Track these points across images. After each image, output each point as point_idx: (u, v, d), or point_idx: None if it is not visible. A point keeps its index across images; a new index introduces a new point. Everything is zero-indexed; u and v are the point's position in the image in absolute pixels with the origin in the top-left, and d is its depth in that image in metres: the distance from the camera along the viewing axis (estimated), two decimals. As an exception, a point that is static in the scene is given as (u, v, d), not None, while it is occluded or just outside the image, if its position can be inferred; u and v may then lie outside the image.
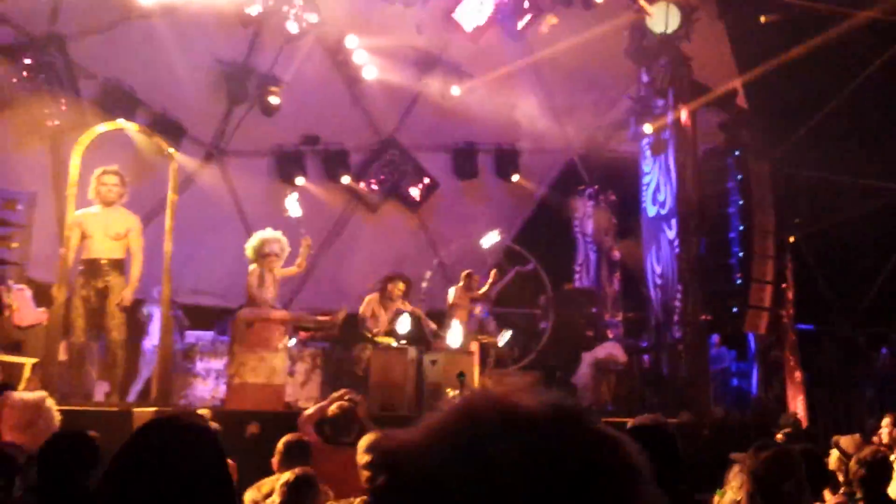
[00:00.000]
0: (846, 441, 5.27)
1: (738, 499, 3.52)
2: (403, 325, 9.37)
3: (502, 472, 0.61)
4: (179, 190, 8.17)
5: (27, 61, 9.70)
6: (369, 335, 9.31)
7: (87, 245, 7.09)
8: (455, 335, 9.37)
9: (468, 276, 10.23)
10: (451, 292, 10.12)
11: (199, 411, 4.79)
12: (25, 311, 7.47)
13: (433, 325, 9.84)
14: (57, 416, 4.10)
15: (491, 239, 10.31)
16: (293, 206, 8.67)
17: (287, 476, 3.78)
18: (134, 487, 1.60)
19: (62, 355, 7.26)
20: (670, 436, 2.76)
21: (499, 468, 0.61)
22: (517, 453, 0.62)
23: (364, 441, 3.46)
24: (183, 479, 1.60)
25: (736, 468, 3.67)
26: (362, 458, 3.39)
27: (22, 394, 4.18)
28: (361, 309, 9.46)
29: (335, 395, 5.88)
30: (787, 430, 7.84)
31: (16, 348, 7.17)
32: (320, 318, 9.50)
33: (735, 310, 10.88)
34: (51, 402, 4.15)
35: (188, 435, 1.67)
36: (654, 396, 10.46)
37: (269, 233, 8.24)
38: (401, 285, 9.57)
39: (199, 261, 10.28)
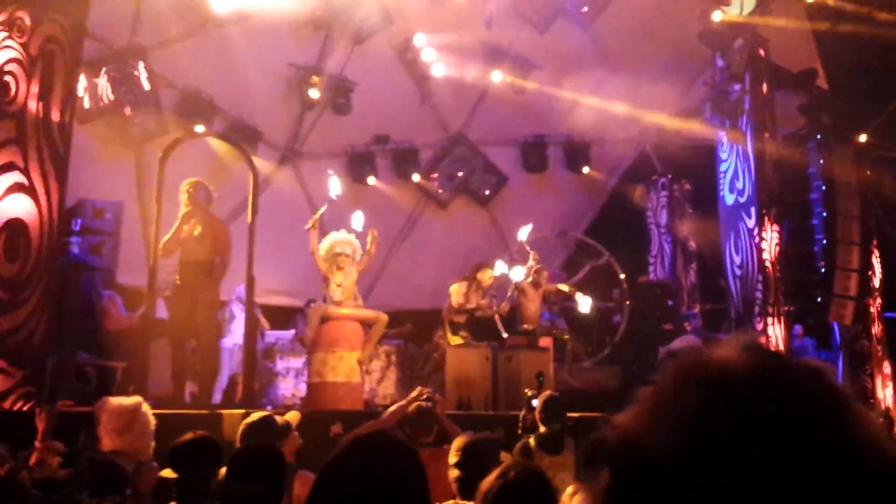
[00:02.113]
0: None
1: None
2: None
3: (743, 444, 0.60)
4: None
5: (110, 73, 10.10)
6: (455, 322, 9.28)
7: (180, 251, 7.36)
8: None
9: (537, 271, 10.00)
10: (512, 274, 9.86)
11: (287, 416, 4.89)
12: (116, 316, 7.81)
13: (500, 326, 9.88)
14: (153, 421, 4.26)
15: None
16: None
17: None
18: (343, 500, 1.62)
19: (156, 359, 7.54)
20: None
21: (736, 440, 0.61)
22: (750, 421, 0.61)
23: (459, 441, 3.48)
24: (389, 497, 1.63)
25: None
26: (454, 457, 3.41)
27: (119, 399, 4.34)
28: (451, 299, 9.43)
29: (413, 394, 5.92)
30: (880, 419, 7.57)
31: (108, 353, 7.49)
32: (388, 330, 9.57)
33: (819, 299, 10.54)
34: (146, 407, 4.31)
35: (395, 453, 1.71)
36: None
37: (340, 234, 8.40)
38: (490, 272, 9.51)
39: (276, 262, 10.52)
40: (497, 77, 12.34)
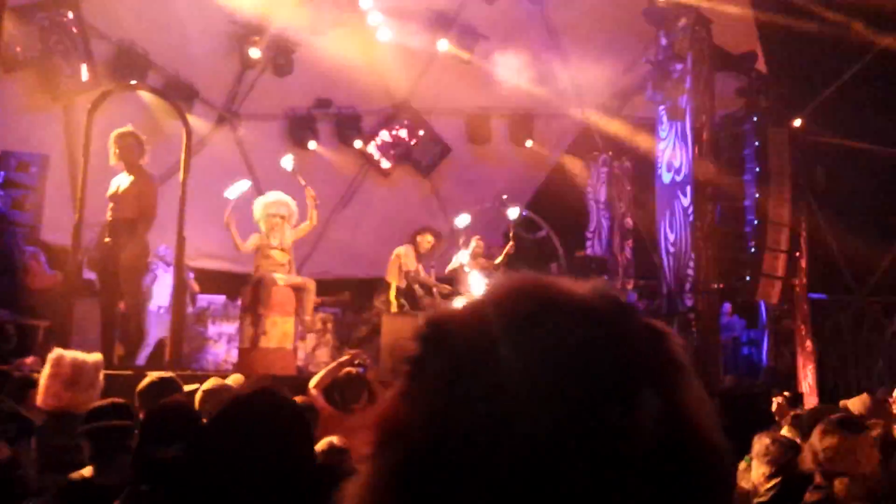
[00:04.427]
0: (854, 403, 5.24)
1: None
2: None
3: (552, 356, 0.60)
4: (192, 153, 8.16)
5: (40, 21, 9.66)
6: (399, 287, 9.03)
7: (110, 208, 7.07)
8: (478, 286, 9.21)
9: (479, 241, 9.98)
10: (457, 258, 9.76)
11: (229, 379, 4.80)
12: (39, 273, 7.54)
13: (445, 288, 9.63)
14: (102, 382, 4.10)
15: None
16: (288, 162, 8.72)
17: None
18: (224, 455, 1.63)
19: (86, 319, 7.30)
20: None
21: (548, 352, 0.61)
22: (568, 340, 0.61)
23: None
24: (272, 452, 1.63)
25: (766, 439, 3.69)
26: None
27: (78, 354, 4.11)
28: (400, 261, 9.14)
29: (344, 359, 5.89)
30: (786, 392, 7.89)
31: (30, 311, 7.24)
32: (326, 298, 9.40)
33: (748, 278, 10.83)
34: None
35: (277, 410, 1.71)
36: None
37: (275, 196, 8.24)
38: (429, 237, 9.22)
39: (210, 224, 10.30)
40: (443, 45, 12.20)
